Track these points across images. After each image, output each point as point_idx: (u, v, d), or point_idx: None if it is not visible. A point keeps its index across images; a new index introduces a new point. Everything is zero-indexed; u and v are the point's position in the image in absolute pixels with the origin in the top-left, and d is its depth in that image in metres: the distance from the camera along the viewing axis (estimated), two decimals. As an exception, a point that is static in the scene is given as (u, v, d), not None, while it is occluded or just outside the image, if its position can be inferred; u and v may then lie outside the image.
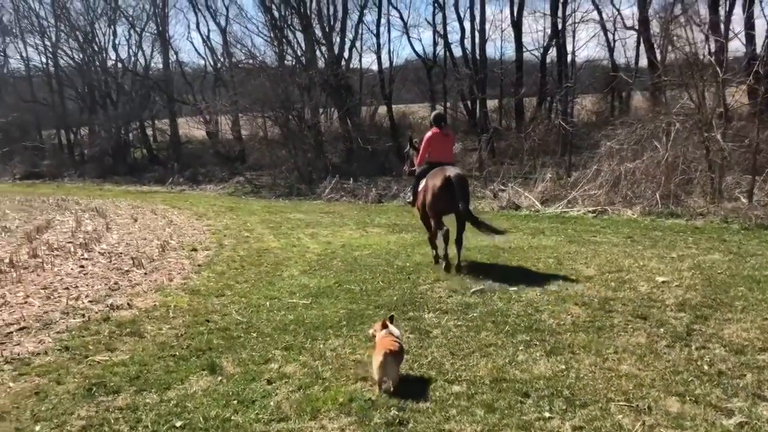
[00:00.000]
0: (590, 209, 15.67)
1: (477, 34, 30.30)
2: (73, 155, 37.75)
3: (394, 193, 21.87)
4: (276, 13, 32.23)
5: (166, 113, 36.30)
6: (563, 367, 5.85)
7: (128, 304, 8.45)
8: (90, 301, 8.70)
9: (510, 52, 33.46)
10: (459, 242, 9.77)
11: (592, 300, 8.00)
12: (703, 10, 19.12)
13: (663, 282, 8.80)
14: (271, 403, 5.24)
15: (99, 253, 12.47)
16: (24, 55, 40.40)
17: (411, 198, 11.07)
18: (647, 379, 5.52)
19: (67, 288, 9.56)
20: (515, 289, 8.58)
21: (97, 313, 8.09)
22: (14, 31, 39.60)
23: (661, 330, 6.80)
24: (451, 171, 9.50)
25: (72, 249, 12.78)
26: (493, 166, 23.75)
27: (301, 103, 27.37)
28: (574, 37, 29.49)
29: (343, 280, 9.42)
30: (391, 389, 5.26)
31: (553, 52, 30.24)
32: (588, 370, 5.76)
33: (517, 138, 24.75)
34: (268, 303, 8.29)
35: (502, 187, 19.78)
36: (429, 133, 10.42)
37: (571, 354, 6.17)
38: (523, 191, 17.75)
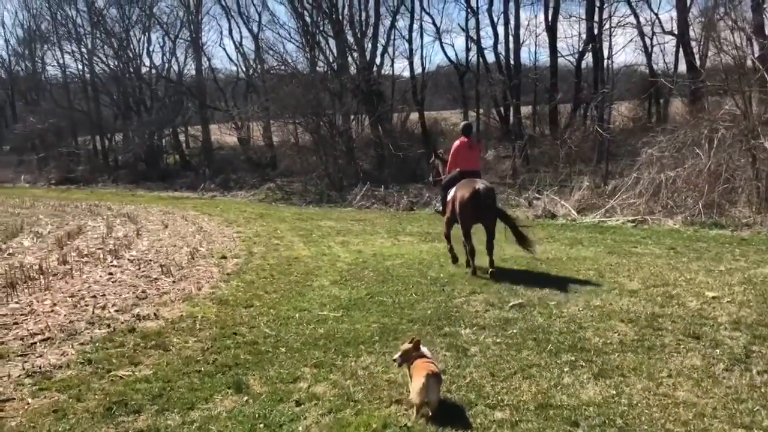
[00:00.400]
0: (629, 219, 15.10)
1: (511, 39, 29.89)
2: (108, 161, 38.07)
3: (425, 201, 21.46)
4: (308, 19, 32.16)
5: (198, 119, 36.42)
6: (614, 392, 5.40)
7: (155, 314, 8.18)
8: (116, 311, 8.46)
9: (544, 57, 32.87)
10: (490, 249, 9.95)
11: (638, 316, 7.53)
12: (748, 12, 18.38)
13: (713, 297, 8.28)
14: (300, 428, 4.89)
15: (128, 260, 12.29)
16: (61, 61, 40.95)
17: (441, 207, 11.42)
18: (707, 408, 5.06)
19: (94, 296, 9.35)
20: (556, 303, 8.14)
21: (123, 323, 7.84)
22: (52, 38, 40.18)
23: (717, 351, 6.30)
24: (480, 184, 9.77)
25: (101, 255, 12.62)
26: (526, 174, 23.26)
27: (333, 109, 27.11)
28: (610, 42, 28.81)
29: (375, 291, 9.06)
30: (430, 414, 4.86)
31: (588, 58, 29.61)
32: (641, 396, 5.31)
33: (552, 145, 24.18)
34: (297, 315, 7.96)
35: (537, 195, 19.28)
36: (457, 143, 10.79)
37: (621, 377, 5.72)
38: (558, 199, 17.20)
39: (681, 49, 27.29)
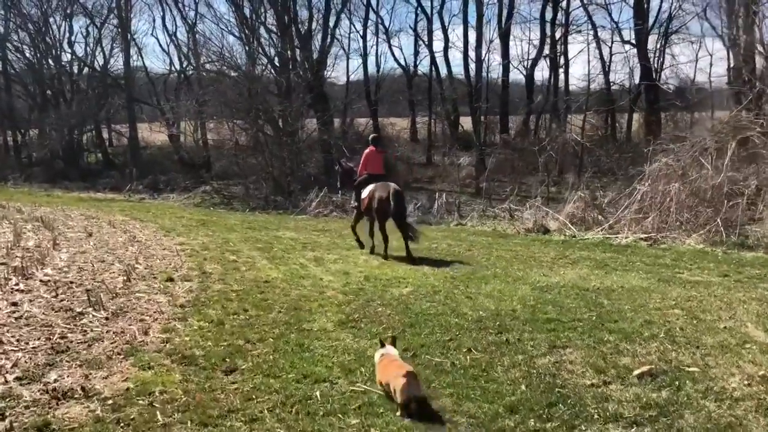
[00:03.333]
0: (641, 236, 12.71)
1: (470, 45, 27.39)
2: (20, 157, 33.23)
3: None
4: (247, 11, 28.76)
5: (124, 115, 32.27)
6: None
7: (82, 387, 4.96)
8: (18, 379, 5.19)
9: (495, 63, 30.60)
10: (406, 239, 11.23)
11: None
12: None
13: None
14: None
15: (41, 281, 8.86)
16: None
17: (356, 203, 12.42)
18: None
19: (-16, 347, 5.99)
20: (696, 370, 5.39)
21: (27, 409, 4.60)
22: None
23: None
24: (393, 187, 11.23)
25: (4, 275, 9.10)
26: (487, 183, 20.82)
27: (279, 108, 23.87)
28: (566, 50, 26.70)
29: (415, 345, 6.08)
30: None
31: (543, 68, 27.57)
32: None
33: (520, 153, 21.81)
34: (318, 393, 4.91)
35: (514, 207, 16.78)
36: (367, 150, 12.21)
37: None
38: (551, 212, 14.70)
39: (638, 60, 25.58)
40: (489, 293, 8.20)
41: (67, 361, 5.60)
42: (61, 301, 7.83)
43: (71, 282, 8.86)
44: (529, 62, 28.70)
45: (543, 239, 13.57)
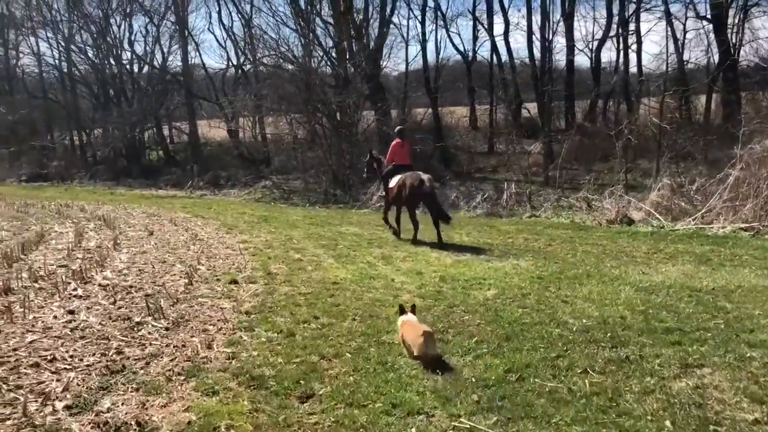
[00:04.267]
0: (740, 226, 11.41)
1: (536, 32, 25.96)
2: (85, 156, 33.49)
3: (452, 202, 17.62)
4: (302, 2, 28.05)
5: (183, 112, 32.12)
6: None
7: (137, 422, 4.22)
8: (68, 407, 4.51)
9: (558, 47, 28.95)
10: (437, 224, 11.48)
11: None
12: None
13: None
14: None
15: (100, 285, 8.29)
16: (35, 50, 36.23)
17: (384, 193, 12.96)
18: None
19: (35, 365, 5.36)
20: None
21: (75, 446, 3.89)
22: (26, 25, 35.38)
23: None
24: (425, 175, 11.55)
25: (63, 278, 8.58)
26: (558, 171, 19.57)
27: (336, 99, 23.10)
28: (638, 28, 24.97)
29: (516, 363, 5.12)
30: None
31: (610, 50, 25.98)
32: None
33: (590, 138, 20.45)
34: (414, 430, 4.03)
35: (590, 196, 15.56)
36: (395, 142, 12.66)
37: None
38: (635, 201, 13.46)
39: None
40: (587, 296, 7.19)
41: (122, 384, 4.90)
42: (119, 308, 7.21)
43: (130, 286, 8.27)
44: (596, 43, 27.10)
45: (628, 231, 12.39)
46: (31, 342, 5.98)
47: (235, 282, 8.49)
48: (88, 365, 5.37)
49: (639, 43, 24.19)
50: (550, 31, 25.70)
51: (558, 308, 6.76)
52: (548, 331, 5.93)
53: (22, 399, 4.55)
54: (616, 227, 12.85)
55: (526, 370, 4.93)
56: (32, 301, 7.52)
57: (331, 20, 26.96)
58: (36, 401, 4.62)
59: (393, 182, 12.08)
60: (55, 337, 6.14)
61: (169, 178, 27.49)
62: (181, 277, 8.83)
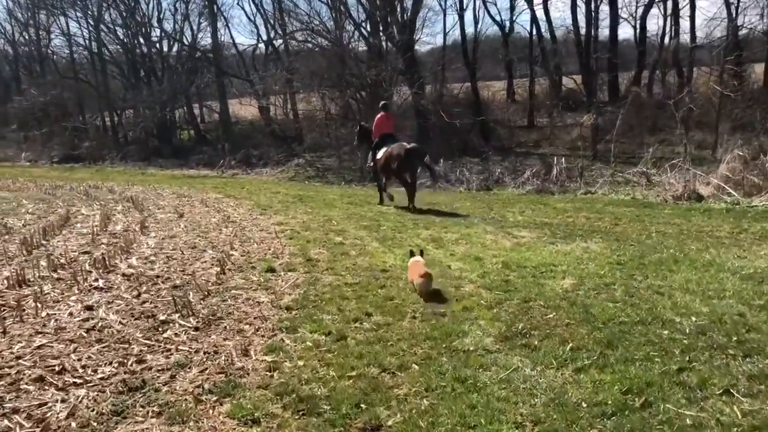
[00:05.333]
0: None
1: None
2: (117, 137, 32.81)
3: (497, 178, 16.43)
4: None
5: (214, 90, 31.19)
6: None
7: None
8: (71, 440, 3.52)
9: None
10: (413, 190, 12.35)
11: None
12: None
13: None
14: None
15: (123, 275, 7.34)
16: (66, 30, 35.52)
17: (371, 162, 13.38)
18: None
19: (39, 379, 4.41)
20: None
21: None
22: (56, 5, 34.63)
23: None
24: (410, 144, 12.41)
25: (84, 267, 7.66)
26: (612, 144, 18.23)
27: (371, 73, 21.91)
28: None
29: (635, 382, 3.99)
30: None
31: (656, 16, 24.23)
32: None
33: (638, 109, 18.98)
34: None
35: (647, 170, 14.25)
36: (379, 115, 13.24)
37: None
38: (704, 175, 12.15)
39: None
40: (684, 286, 6.03)
41: (141, 406, 3.92)
42: (144, 303, 6.24)
43: (157, 276, 7.31)
44: (641, 10, 25.44)
45: (699, 208, 11.13)
46: (39, 347, 5.05)
47: (272, 270, 7.48)
48: (102, 378, 4.41)
49: (693, 7, 22.45)
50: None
51: (655, 302, 5.61)
52: (655, 333, 4.81)
53: (14, 429, 3.58)
54: (685, 204, 11.59)
55: (648, 390, 3.81)
56: (47, 294, 6.60)
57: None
58: (38, 424, 3.68)
59: (380, 153, 12.70)
60: (67, 340, 5.19)
61: (200, 158, 26.68)
62: (212, 264, 7.86)
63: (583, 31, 23.56)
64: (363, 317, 5.57)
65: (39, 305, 6.10)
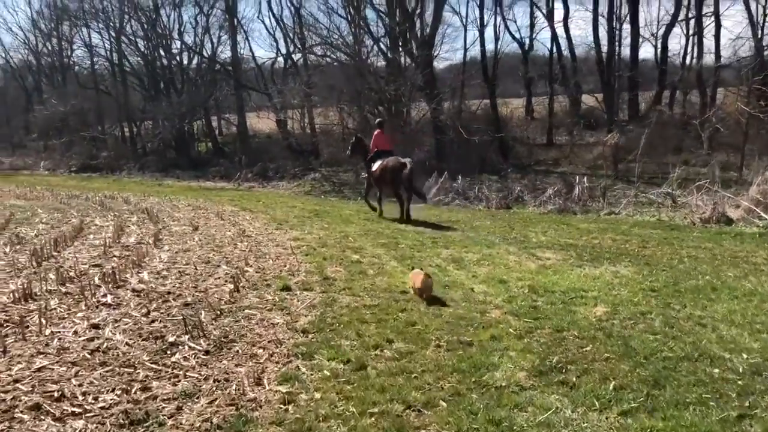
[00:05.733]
0: None
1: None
2: (135, 147, 32.73)
3: (517, 196, 16.00)
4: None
5: (232, 103, 31.05)
6: None
7: None
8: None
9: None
10: (409, 203, 12.88)
11: None
12: None
13: None
14: None
15: (133, 291, 7.01)
16: (87, 41, 35.63)
17: (366, 175, 14.10)
18: None
19: (35, 407, 4.05)
20: None
21: None
22: (79, 15, 34.76)
23: None
24: (405, 160, 12.84)
25: (93, 281, 7.34)
26: (628, 163, 17.80)
27: (391, 88, 21.63)
28: (717, 12, 22.71)
29: (691, 429, 3.57)
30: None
31: (678, 35, 23.80)
32: None
33: (661, 128, 18.52)
34: None
35: (671, 191, 13.77)
36: (376, 132, 13.94)
37: None
38: (733, 197, 11.67)
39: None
40: (728, 318, 5.60)
41: (142, 444, 3.54)
42: (153, 322, 5.90)
43: (168, 293, 6.97)
44: (663, 28, 25.01)
45: (730, 232, 10.65)
46: (39, 369, 4.71)
47: (287, 288, 7.12)
48: (103, 408, 4.05)
49: (718, 27, 21.95)
50: (615, 18, 23.80)
51: (699, 335, 5.18)
52: (704, 371, 4.38)
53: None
54: (714, 227, 11.11)
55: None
56: (53, 309, 6.28)
57: (382, 8, 25.54)
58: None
59: (376, 166, 13.23)
60: (69, 362, 4.85)
61: (217, 170, 26.46)
62: (226, 281, 7.52)
63: (604, 49, 23.12)
64: (384, 344, 5.18)
65: (44, 322, 5.77)
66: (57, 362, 4.86)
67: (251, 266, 8.37)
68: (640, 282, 7.18)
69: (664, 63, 25.29)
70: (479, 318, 5.89)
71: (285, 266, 8.41)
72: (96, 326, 5.76)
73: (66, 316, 6.10)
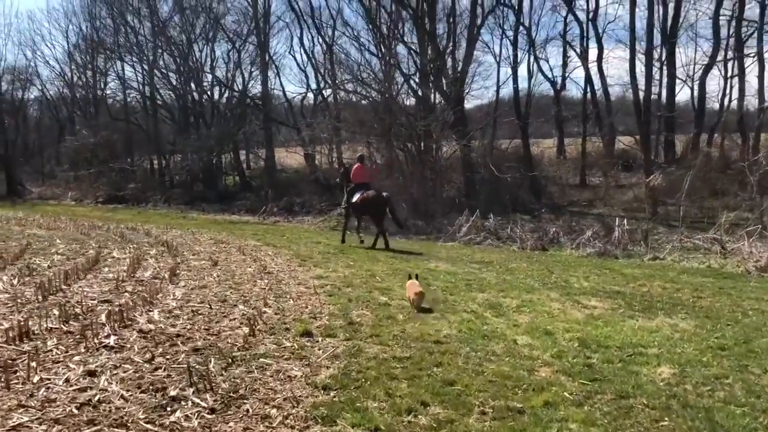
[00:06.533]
0: None
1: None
2: (163, 179, 32.56)
3: (551, 238, 15.16)
4: (384, 27, 26.40)
5: (261, 137, 30.82)
6: None
7: None
8: None
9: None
10: (384, 233, 14.18)
11: None
12: None
13: None
14: None
15: (140, 332, 6.33)
16: (121, 74, 35.89)
17: (346, 205, 15.18)
18: None
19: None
20: None
21: None
22: (114, 48, 35.08)
23: None
24: (383, 192, 14.44)
25: (99, 319, 6.69)
26: (661, 206, 16.89)
27: (421, 124, 21.07)
28: (761, 53, 21.90)
29: None
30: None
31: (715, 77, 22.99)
32: None
33: (702, 172, 17.60)
34: None
35: (718, 237, 12.83)
36: (356, 165, 15.20)
37: None
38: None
39: None
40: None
41: None
42: (156, 370, 5.19)
43: (177, 335, 6.27)
44: (701, 70, 24.25)
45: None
46: (15, 427, 3.99)
47: (308, 334, 6.39)
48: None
49: (762, 68, 21.07)
50: (652, 58, 23.10)
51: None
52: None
53: None
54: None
55: None
56: (49, 351, 5.61)
57: (413, 45, 25.20)
58: None
59: (356, 197, 14.25)
60: (52, 419, 4.14)
61: (243, 204, 26.08)
62: (241, 323, 6.81)
63: (641, 90, 22.36)
64: (418, 407, 4.40)
65: (35, 366, 5.10)
66: (38, 418, 4.15)
67: (270, 307, 7.67)
68: (705, 338, 6.31)
69: (702, 104, 24.47)
70: (527, 377, 5.08)
71: (306, 307, 7.69)
72: (92, 373, 5.07)
73: (61, 359, 5.42)
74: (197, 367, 5.15)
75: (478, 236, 15.64)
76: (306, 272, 10.37)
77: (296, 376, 5.15)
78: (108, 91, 38.04)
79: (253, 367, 5.34)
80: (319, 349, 5.91)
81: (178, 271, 10.00)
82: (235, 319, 7.06)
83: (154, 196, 29.19)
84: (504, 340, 6.30)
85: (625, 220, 14.63)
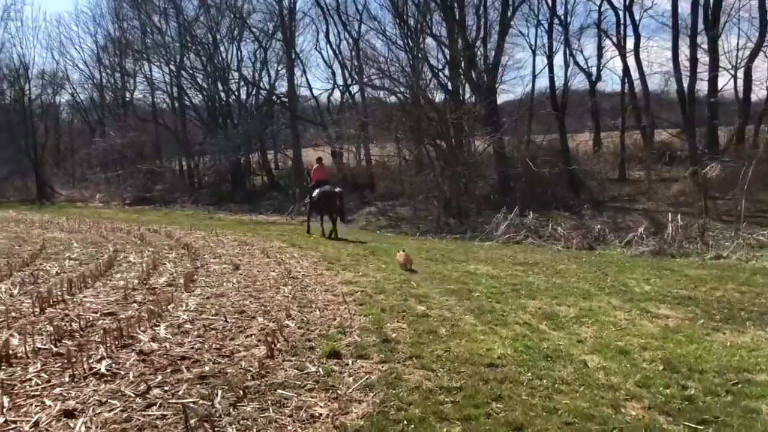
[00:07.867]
0: None
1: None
2: (192, 180, 31.80)
3: (597, 236, 13.84)
4: (411, 20, 25.15)
5: (288, 135, 29.85)
6: None
7: None
8: None
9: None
10: (335, 223, 15.14)
11: None
12: None
13: None
14: None
15: (139, 354, 5.32)
16: (148, 75, 35.24)
17: (308, 200, 16.80)
18: None
19: None
20: None
21: None
22: (141, 50, 34.41)
23: None
24: (336, 188, 15.90)
25: (102, 332, 5.69)
26: (711, 200, 15.45)
27: (452, 117, 19.86)
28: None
29: None
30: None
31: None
32: None
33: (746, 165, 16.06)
34: None
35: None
36: (315, 167, 16.93)
37: None
38: None
39: None
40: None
41: None
42: (148, 407, 4.15)
43: (183, 357, 5.24)
44: (745, 57, 22.56)
45: None
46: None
47: (336, 355, 5.31)
48: None
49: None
50: (696, 47, 21.52)
51: None
52: None
53: None
54: None
55: None
56: (28, 380, 4.60)
57: (443, 37, 23.95)
58: None
59: (315, 193, 15.58)
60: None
61: (270, 204, 25.15)
62: (259, 340, 5.76)
63: (686, 76, 20.83)
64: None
65: (5, 403, 4.09)
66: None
67: (293, 319, 6.60)
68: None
69: (747, 93, 22.79)
70: (613, 417, 3.92)
71: (334, 320, 6.60)
72: (69, 413, 4.04)
73: (38, 393, 4.41)
74: (199, 404, 4.08)
75: (518, 235, 14.38)
76: (334, 277, 9.30)
77: (321, 415, 4.07)
78: (136, 93, 37.45)
79: (269, 402, 4.28)
80: (349, 376, 4.83)
81: (195, 277, 8.99)
82: (252, 334, 6.01)
83: (181, 197, 28.43)
84: (571, 362, 5.14)
85: (679, 216, 13.25)
